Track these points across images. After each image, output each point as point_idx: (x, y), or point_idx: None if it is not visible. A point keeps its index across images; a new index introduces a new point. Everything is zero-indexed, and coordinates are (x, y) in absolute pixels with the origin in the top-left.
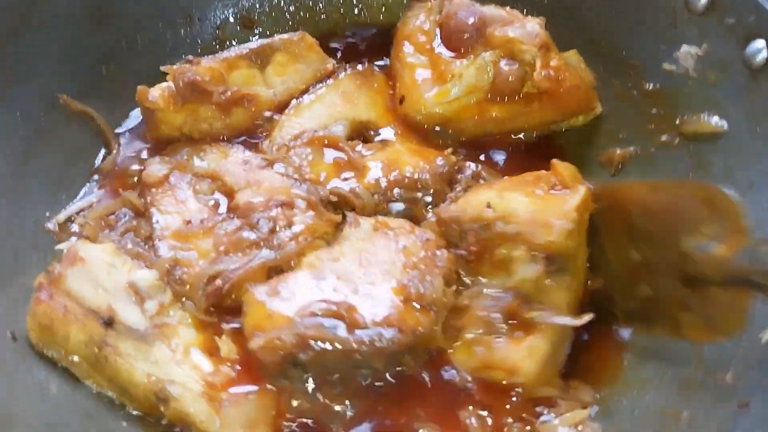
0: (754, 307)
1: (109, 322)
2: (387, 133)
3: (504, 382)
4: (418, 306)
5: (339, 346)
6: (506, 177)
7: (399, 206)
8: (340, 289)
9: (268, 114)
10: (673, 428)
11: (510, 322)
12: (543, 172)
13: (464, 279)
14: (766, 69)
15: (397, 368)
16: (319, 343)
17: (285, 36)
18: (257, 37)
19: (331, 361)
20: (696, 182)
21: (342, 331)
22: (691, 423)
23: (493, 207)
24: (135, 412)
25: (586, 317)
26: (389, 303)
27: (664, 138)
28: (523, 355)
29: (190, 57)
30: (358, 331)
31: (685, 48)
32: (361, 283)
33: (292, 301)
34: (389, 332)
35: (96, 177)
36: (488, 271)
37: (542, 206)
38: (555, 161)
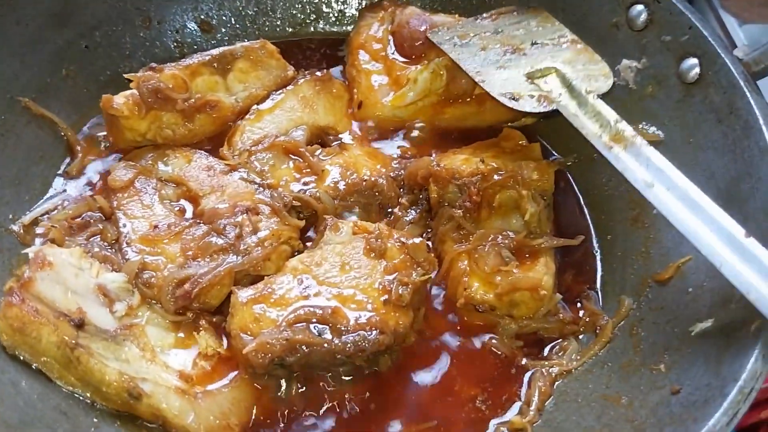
0: (686, 302)
1: (80, 324)
2: (345, 137)
3: (528, 301)
4: (397, 307)
5: (326, 348)
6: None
7: (355, 211)
8: (323, 293)
9: (230, 120)
10: (612, 413)
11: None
12: (499, 137)
13: (467, 227)
14: (698, 84)
15: (374, 365)
16: (306, 346)
17: (246, 43)
18: (216, 41)
19: (315, 361)
20: None
21: (328, 334)
22: (630, 407)
23: (486, 162)
24: (107, 409)
25: (580, 237)
26: (371, 306)
27: None
28: (542, 272)
29: (153, 64)
30: (343, 335)
31: (625, 62)
32: (344, 287)
33: (278, 305)
34: (372, 334)
35: (60, 180)
36: (487, 217)
37: (520, 158)
38: (506, 128)
